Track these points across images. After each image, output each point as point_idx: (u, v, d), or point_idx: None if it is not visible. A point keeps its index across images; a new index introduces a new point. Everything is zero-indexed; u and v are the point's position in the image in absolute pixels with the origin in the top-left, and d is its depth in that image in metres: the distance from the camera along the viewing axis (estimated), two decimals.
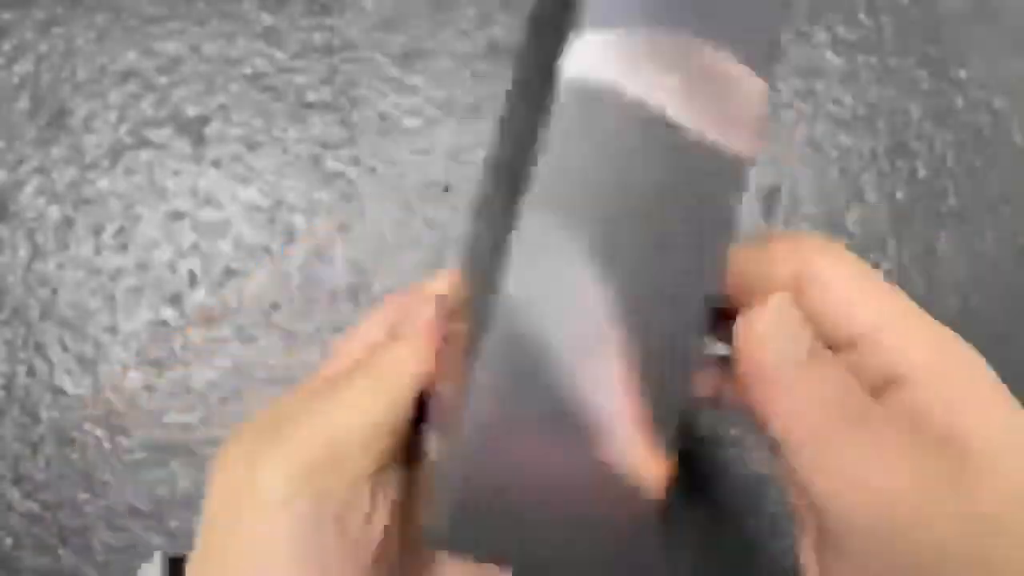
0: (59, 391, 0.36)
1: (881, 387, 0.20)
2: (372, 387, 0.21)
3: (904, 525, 0.18)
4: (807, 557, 0.22)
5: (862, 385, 0.20)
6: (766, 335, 0.19)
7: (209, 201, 0.37)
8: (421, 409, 0.23)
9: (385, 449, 0.22)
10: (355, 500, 0.21)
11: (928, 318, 0.21)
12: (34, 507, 0.35)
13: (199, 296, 0.36)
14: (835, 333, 0.21)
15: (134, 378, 0.36)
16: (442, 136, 0.37)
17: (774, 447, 0.20)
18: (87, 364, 0.36)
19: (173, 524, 0.35)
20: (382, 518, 0.21)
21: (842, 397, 0.19)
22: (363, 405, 0.21)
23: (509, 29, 0.37)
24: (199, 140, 0.37)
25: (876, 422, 0.19)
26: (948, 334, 0.21)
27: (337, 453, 0.21)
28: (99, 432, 0.36)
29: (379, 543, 0.21)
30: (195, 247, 0.36)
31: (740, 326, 0.20)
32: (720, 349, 0.23)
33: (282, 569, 0.20)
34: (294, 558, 0.20)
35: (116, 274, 0.36)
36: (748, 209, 0.37)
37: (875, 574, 0.19)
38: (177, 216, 0.36)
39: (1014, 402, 0.20)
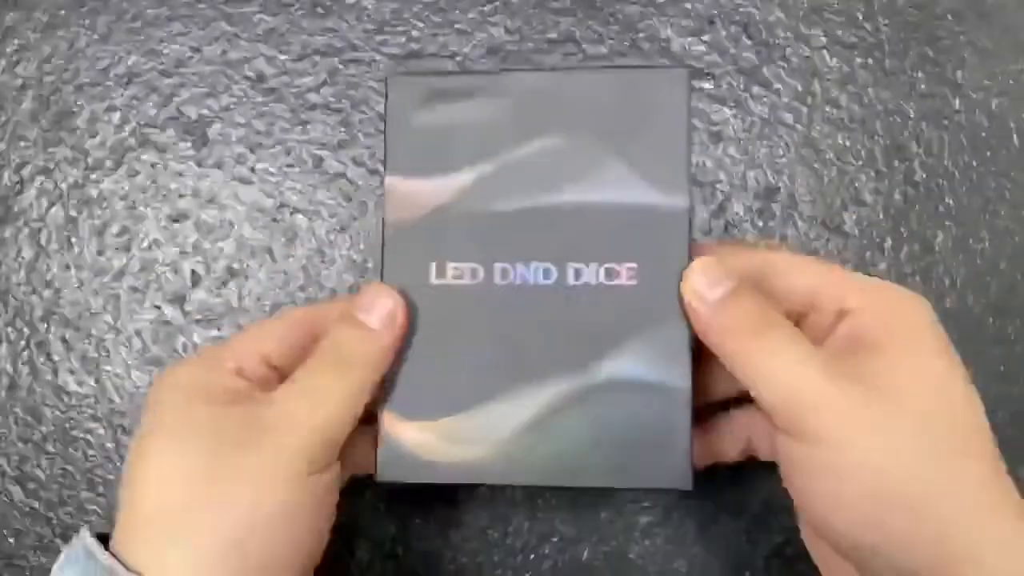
0: (62, 390, 0.36)
1: (833, 324, 0.26)
2: (349, 377, 0.26)
3: (809, 407, 0.23)
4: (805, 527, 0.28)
5: (816, 332, 0.26)
6: (696, 284, 0.26)
7: (211, 202, 0.37)
8: None
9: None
10: (336, 472, 0.27)
11: (863, 276, 0.27)
12: (37, 506, 0.36)
13: (201, 296, 0.36)
14: (797, 303, 0.26)
15: (137, 377, 0.36)
16: None
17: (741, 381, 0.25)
18: (90, 363, 0.36)
19: None
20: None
21: (759, 315, 0.25)
22: (341, 397, 0.26)
23: (509, 31, 0.37)
24: (202, 141, 0.37)
25: (787, 329, 0.24)
26: (885, 283, 0.26)
27: (334, 438, 0.26)
28: (102, 431, 0.36)
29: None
30: (197, 247, 0.37)
31: (683, 286, 0.26)
32: None
33: (305, 524, 0.25)
34: (313, 515, 0.25)
35: (119, 274, 0.36)
36: (746, 210, 0.37)
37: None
38: (180, 217, 0.37)
39: (937, 329, 0.25)
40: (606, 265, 0.27)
